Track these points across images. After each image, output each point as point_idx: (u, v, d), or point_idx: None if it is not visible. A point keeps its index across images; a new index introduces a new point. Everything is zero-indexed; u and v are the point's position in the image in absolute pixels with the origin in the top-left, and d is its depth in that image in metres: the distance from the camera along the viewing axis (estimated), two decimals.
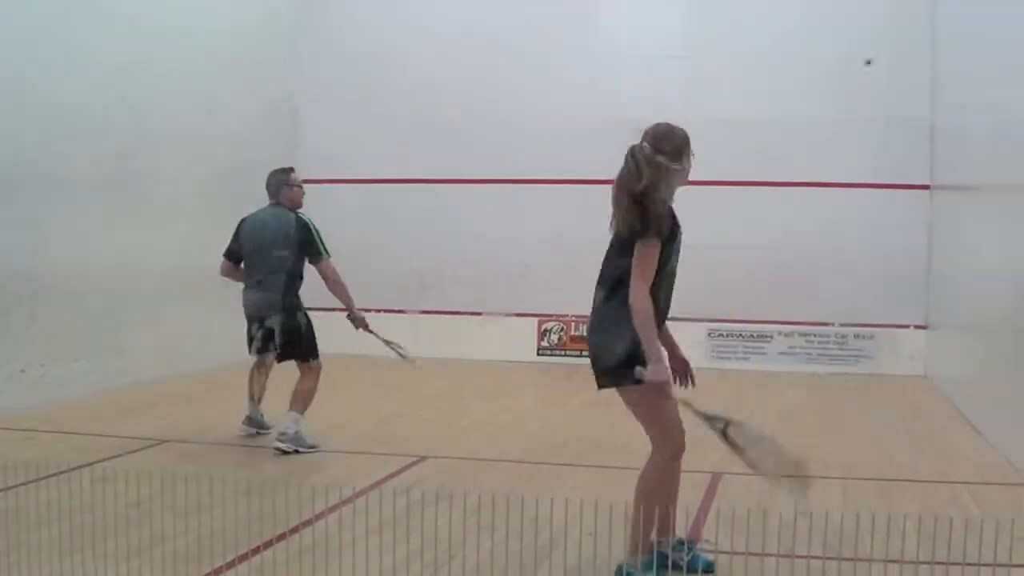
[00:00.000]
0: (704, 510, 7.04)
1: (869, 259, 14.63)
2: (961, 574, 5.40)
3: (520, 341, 15.44)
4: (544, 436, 9.74)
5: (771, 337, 15.17)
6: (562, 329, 15.46)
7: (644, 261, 5.50)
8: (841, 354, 15.02)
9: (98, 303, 11.38)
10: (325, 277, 9.09)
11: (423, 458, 8.55)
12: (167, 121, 12.81)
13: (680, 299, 15.10)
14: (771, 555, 5.92)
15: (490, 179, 15.47)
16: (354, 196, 15.90)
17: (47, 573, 5.32)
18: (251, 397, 9.55)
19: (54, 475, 6.81)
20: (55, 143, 10.74)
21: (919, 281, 14.58)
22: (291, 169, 9.39)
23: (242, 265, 9.17)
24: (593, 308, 6.04)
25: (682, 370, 6.04)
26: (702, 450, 9.17)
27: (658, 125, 5.63)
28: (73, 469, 6.76)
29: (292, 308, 9.01)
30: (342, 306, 9.14)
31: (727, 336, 15.29)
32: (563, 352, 15.47)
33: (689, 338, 14.90)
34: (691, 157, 5.65)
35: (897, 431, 10.47)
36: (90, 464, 6.75)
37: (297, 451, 8.60)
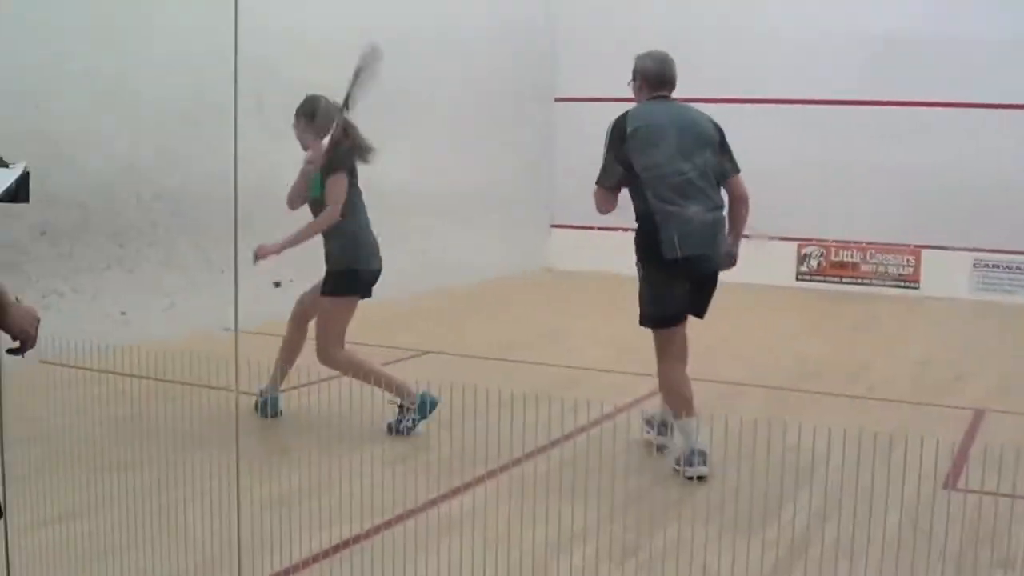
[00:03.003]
0: (966, 447, 6.90)
1: None
2: None
3: (779, 265, 15.26)
4: (802, 363, 9.68)
5: None
6: (822, 254, 15.23)
7: None
8: None
9: None
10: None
11: None
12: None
13: (944, 228, 14.75)
14: None
15: (750, 98, 15.18)
16: (612, 115, 15.86)
17: (313, 476, 5.64)
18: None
19: (323, 380, 7.18)
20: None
21: None
22: None
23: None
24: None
25: None
26: (963, 385, 9.04)
27: None
28: (335, 377, 7.08)
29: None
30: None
31: (993, 267, 14.78)
32: (822, 278, 15.24)
33: (952, 268, 14.64)
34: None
35: None
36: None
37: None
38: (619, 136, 6.32)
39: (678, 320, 6.36)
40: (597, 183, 6.41)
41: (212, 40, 8.81)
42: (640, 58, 6.56)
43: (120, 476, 5.55)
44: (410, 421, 6.85)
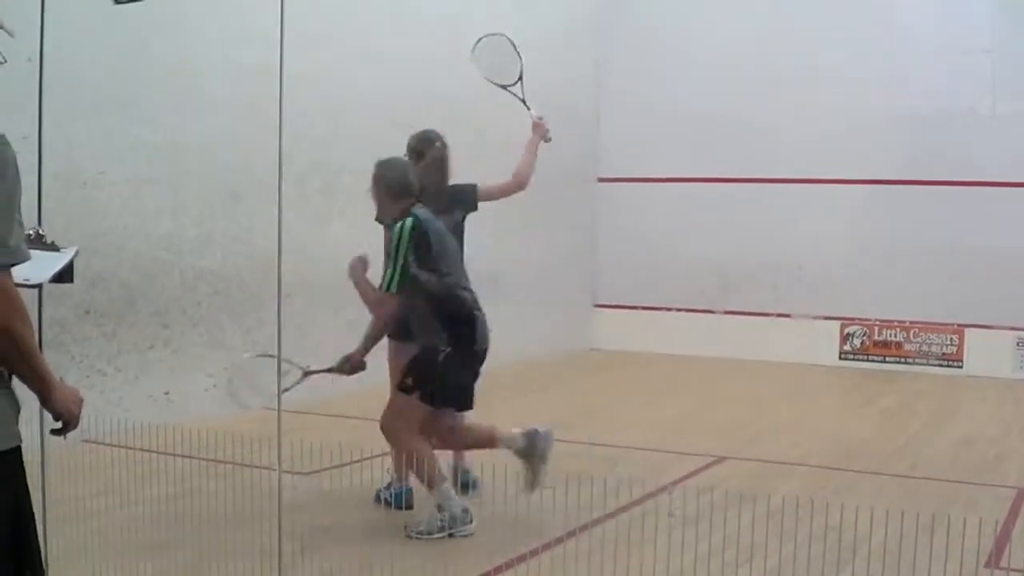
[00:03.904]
0: (1008, 527, 6.83)
1: None
2: None
3: (822, 344, 15.20)
4: (844, 442, 9.62)
5: None
6: (865, 333, 15.14)
7: None
8: None
9: None
10: None
11: (722, 459, 8.59)
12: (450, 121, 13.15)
13: (985, 306, 14.64)
14: None
15: (792, 178, 15.24)
16: (655, 195, 15.98)
17: (355, 555, 5.64)
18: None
19: (365, 459, 7.19)
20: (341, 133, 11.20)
21: None
22: None
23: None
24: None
25: None
26: (1006, 464, 8.95)
27: None
28: (377, 456, 7.12)
29: None
30: None
31: None
32: (866, 357, 15.15)
33: (996, 347, 14.50)
34: None
35: None
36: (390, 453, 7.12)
37: None
38: (423, 240, 6.39)
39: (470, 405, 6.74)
40: (394, 290, 6.39)
41: (256, 120, 9.00)
42: (393, 170, 6.64)
43: (162, 556, 5.57)
44: (385, 495, 6.92)
